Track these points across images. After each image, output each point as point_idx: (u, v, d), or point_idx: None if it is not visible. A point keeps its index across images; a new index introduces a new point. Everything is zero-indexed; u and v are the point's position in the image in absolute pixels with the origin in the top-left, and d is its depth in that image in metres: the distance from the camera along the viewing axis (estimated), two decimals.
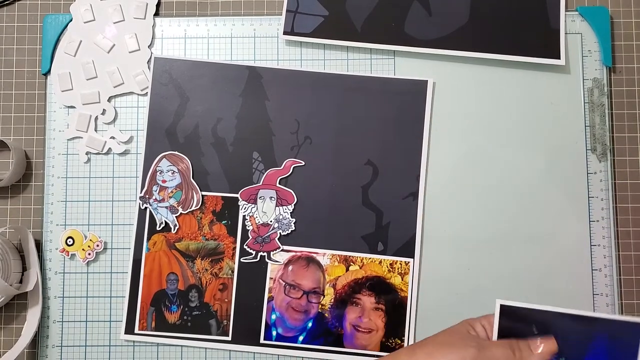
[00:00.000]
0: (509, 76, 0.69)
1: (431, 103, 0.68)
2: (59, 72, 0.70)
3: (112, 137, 0.70)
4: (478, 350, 0.47)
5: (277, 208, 0.68)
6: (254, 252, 0.67)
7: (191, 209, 0.68)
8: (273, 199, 0.68)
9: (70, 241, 0.68)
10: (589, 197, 0.67)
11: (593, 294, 0.66)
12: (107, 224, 0.69)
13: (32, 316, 0.67)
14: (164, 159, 0.68)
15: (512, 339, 0.48)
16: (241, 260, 0.67)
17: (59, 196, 0.69)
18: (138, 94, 0.70)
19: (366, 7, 0.69)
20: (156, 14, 0.71)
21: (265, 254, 0.67)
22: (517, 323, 0.49)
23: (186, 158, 0.68)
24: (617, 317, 0.47)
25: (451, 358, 0.47)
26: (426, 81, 0.68)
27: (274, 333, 0.66)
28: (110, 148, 0.70)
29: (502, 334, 0.49)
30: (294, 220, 0.67)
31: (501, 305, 0.49)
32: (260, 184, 0.68)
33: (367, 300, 0.66)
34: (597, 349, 0.47)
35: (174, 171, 0.68)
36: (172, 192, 0.68)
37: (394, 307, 0.66)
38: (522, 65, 0.68)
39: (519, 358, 0.47)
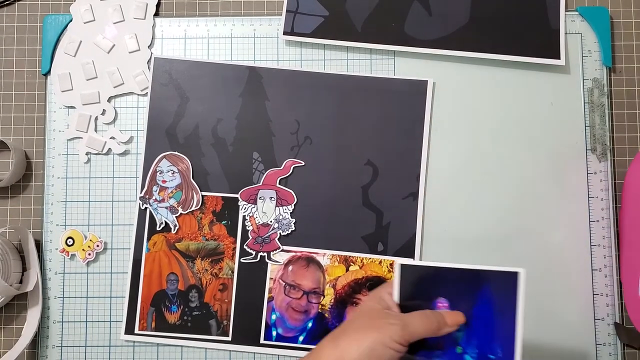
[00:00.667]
0: (509, 76, 0.69)
1: (431, 103, 0.68)
2: (59, 73, 0.70)
3: (112, 138, 0.70)
4: (401, 328, 0.48)
5: (277, 208, 0.68)
6: (254, 253, 0.67)
7: (191, 209, 0.68)
8: (273, 199, 0.68)
9: (70, 241, 0.68)
10: (589, 197, 0.67)
11: (593, 294, 0.66)
12: (107, 224, 0.69)
13: (32, 316, 0.67)
14: (164, 159, 0.68)
15: (427, 310, 0.50)
16: (241, 260, 0.67)
17: (59, 196, 0.69)
18: (138, 94, 0.70)
19: (366, 7, 0.69)
20: (156, 14, 0.71)
21: (265, 254, 0.67)
22: (416, 283, 0.52)
23: (186, 158, 0.68)
24: (496, 267, 0.51)
25: (377, 339, 0.47)
26: (426, 81, 0.68)
27: (274, 333, 0.66)
28: (110, 148, 0.70)
29: (403, 295, 0.52)
30: (294, 220, 0.67)
31: (401, 265, 0.52)
32: (260, 184, 0.68)
33: None
34: (483, 298, 0.51)
35: (174, 171, 0.68)
36: (172, 192, 0.68)
37: None
38: (522, 65, 0.68)
39: (436, 327, 0.49)
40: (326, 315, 0.66)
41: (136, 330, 0.67)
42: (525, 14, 0.68)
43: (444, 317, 0.50)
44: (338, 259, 0.67)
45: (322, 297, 0.67)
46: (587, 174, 0.68)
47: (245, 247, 0.67)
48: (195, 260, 0.67)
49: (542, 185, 0.68)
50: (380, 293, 0.53)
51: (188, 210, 0.68)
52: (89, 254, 0.68)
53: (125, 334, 0.67)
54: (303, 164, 0.68)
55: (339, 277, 0.67)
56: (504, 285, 0.51)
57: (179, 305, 0.67)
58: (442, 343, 0.51)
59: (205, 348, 0.67)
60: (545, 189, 0.68)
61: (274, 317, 0.66)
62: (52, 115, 0.70)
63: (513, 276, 0.51)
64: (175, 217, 0.68)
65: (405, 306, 0.51)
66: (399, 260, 0.53)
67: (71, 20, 0.71)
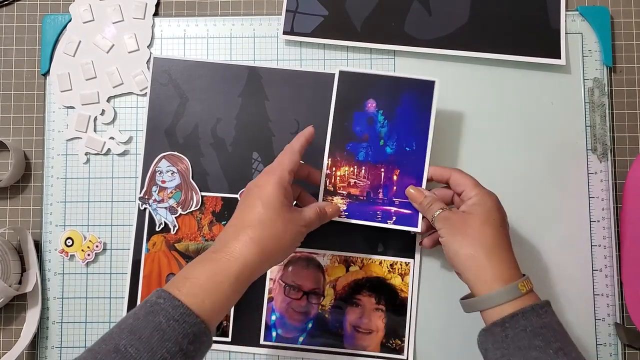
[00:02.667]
0: (509, 76, 0.69)
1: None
2: (58, 73, 0.70)
3: (112, 138, 0.70)
4: (305, 224, 0.56)
5: None
6: None
7: (191, 210, 0.67)
8: None
9: (69, 242, 0.68)
10: (589, 197, 0.67)
11: (593, 294, 0.66)
12: (107, 224, 0.69)
13: (32, 317, 0.67)
14: (164, 159, 0.68)
15: (316, 203, 0.60)
16: None
17: (58, 197, 0.69)
18: (137, 94, 0.70)
19: (366, 7, 0.69)
20: (155, 14, 0.71)
21: None
22: (351, 87, 0.63)
23: (185, 158, 0.68)
24: (416, 76, 0.63)
25: (295, 233, 0.55)
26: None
27: (274, 334, 0.66)
28: (109, 148, 0.69)
29: (340, 97, 0.63)
30: None
31: (340, 71, 0.63)
32: None
33: (367, 301, 0.66)
34: (405, 100, 0.63)
35: (173, 172, 0.68)
36: (171, 192, 0.68)
37: (394, 307, 0.66)
38: (522, 65, 0.68)
39: (321, 219, 0.59)
40: (326, 315, 0.66)
41: None
42: (525, 13, 0.68)
43: (325, 211, 0.59)
44: (338, 259, 0.67)
45: (322, 298, 0.66)
46: (588, 174, 0.68)
47: None
48: None
49: (543, 185, 0.67)
50: (282, 180, 0.55)
51: (187, 211, 0.67)
52: (89, 255, 0.68)
53: None
54: (303, 164, 0.67)
55: (339, 277, 0.67)
56: (422, 91, 0.62)
57: None
58: (368, 136, 0.63)
59: None
60: (546, 189, 0.67)
61: (273, 317, 0.66)
62: (51, 115, 0.70)
63: (430, 84, 0.62)
64: (175, 217, 0.67)
65: (339, 111, 0.63)
66: (339, 69, 0.63)
67: (70, 20, 0.71)
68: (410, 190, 0.61)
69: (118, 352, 0.45)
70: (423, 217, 0.61)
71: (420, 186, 0.62)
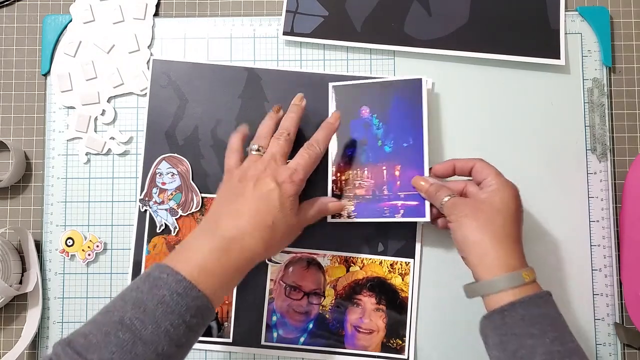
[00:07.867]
0: (509, 76, 0.69)
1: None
2: (58, 73, 0.70)
3: (112, 138, 0.70)
4: (306, 224, 0.61)
5: None
6: None
7: (191, 211, 0.67)
8: None
9: (70, 242, 0.68)
10: (589, 197, 0.67)
11: (593, 294, 0.66)
12: (107, 224, 0.69)
13: (32, 317, 0.67)
14: (164, 161, 0.68)
15: (319, 201, 0.62)
16: None
17: (58, 197, 0.69)
18: (138, 95, 0.70)
19: (366, 7, 0.69)
20: (156, 15, 0.71)
21: None
22: (346, 97, 0.67)
23: (186, 160, 0.68)
24: (404, 77, 0.66)
25: (285, 243, 0.59)
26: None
27: (275, 334, 0.66)
28: (110, 149, 0.70)
29: (337, 107, 0.66)
30: None
31: (333, 86, 0.67)
32: None
33: (368, 301, 0.66)
34: (396, 102, 0.65)
35: (173, 173, 0.68)
36: (171, 194, 0.68)
37: (395, 307, 0.66)
38: (522, 65, 0.68)
39: (323, 211, 0.63)
40: (327, 316, 0.66)
41: None
42: (525, 14, 0.68)
43: (328, 207, 0.63)
44: (338, 259, 0.67)
45: (322, 298, 0.66)
46: (587, 174, 0.68)
47: None
48: None
49: (542, 185, 0.68)
50: (301, 188, 0.59)
51: (188, 212, 0.67)
52: (89, 255, 0.68)
53: None
54: None
55: (340, 277, 0.67)
56: (411, 89, 0.65)
57: None
58: (367, 140, 0.66)
59: (206, 350, 0.67)
60: (545, 189, 0.68)
61: (274, 318, 0.66)
62: (51, 115, 0.70)
63: (418, 81, 0.65)
64: (175, 219, 0.68)
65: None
66: (331, 84, 0.67)
67: (71, 21, 0.71)
68: (416, 179, 0.62)
69: (123, 324, 0.47)
70: (431, 205, 0.62)
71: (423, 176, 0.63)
